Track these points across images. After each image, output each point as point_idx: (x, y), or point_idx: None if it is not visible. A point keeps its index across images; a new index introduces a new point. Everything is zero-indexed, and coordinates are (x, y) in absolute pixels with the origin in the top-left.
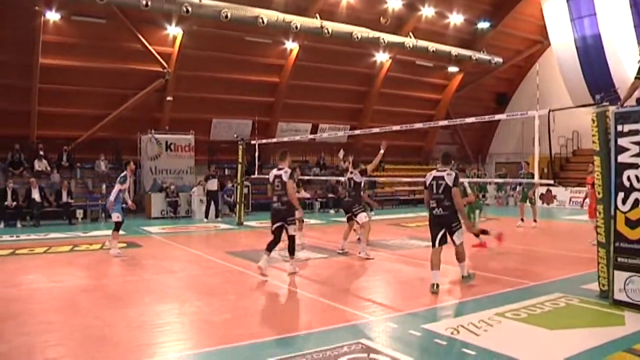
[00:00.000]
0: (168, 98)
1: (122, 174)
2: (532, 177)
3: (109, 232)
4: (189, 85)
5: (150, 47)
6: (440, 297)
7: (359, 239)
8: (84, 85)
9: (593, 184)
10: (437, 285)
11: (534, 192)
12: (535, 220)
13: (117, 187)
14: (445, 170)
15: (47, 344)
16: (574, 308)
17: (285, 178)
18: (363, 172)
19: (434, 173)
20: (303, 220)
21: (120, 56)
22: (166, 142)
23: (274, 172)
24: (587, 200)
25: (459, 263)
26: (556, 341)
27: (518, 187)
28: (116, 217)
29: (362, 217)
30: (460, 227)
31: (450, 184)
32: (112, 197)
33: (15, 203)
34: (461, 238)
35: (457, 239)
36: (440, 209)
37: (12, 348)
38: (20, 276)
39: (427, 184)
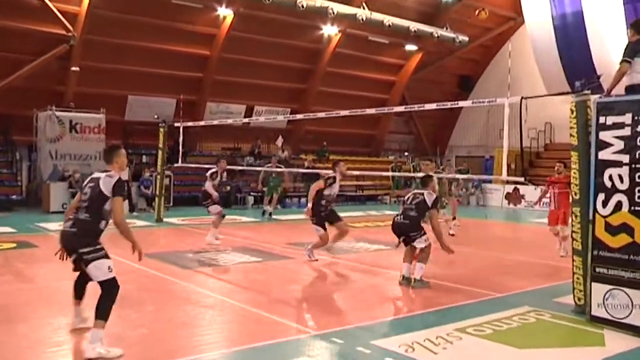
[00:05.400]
0: (73, 68)
1: None
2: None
3: None
4: (99, 54)
5: (50, 4)
6: (392, 308)
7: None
8: None
9: (565, 184)
10: (404, 278)
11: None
12: (454, 218)
13: None
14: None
15: None
16: (546, 324)
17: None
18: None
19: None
20: (224, 215)
21: (12, 12)
22: (70, 122)
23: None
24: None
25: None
26: None
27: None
28: None
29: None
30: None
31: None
32: None
33: None
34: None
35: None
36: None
37: None
38: None
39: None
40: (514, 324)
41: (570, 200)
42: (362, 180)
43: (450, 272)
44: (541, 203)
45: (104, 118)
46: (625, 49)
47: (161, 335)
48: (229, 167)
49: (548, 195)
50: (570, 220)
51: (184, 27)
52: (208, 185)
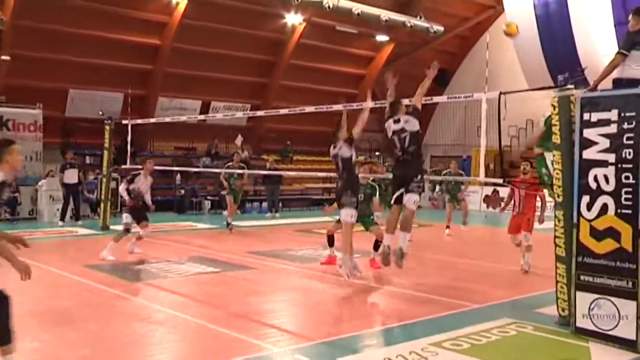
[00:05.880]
0: (3, 57)
1: None
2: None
3: None
4: (34, 41)
5: None
6: (361, 322)
7: None
8: None
9: (532, 185)
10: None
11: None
12: (464, 223)
13: None
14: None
15: None
16: (527, 337)
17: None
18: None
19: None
20: (128, 230)
21: None
22: (1, 118)
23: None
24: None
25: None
26: None
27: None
28: None
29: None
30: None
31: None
32: None
33: None
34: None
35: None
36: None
37: None
38: None
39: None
40: (493, 337)
41: (553, 204)
42: (330, 183)
43: (424, 281)
44: (505, 209)
45: (41, 114)
46: (624, 40)
47: (106, 356)
48: (182, 168)
49: (513, 199)
50: (534, 226)
51: (131, 13)
52: (122, 188)
